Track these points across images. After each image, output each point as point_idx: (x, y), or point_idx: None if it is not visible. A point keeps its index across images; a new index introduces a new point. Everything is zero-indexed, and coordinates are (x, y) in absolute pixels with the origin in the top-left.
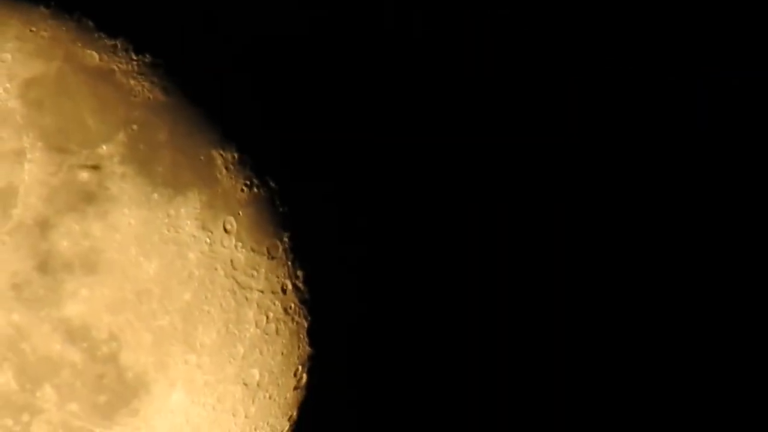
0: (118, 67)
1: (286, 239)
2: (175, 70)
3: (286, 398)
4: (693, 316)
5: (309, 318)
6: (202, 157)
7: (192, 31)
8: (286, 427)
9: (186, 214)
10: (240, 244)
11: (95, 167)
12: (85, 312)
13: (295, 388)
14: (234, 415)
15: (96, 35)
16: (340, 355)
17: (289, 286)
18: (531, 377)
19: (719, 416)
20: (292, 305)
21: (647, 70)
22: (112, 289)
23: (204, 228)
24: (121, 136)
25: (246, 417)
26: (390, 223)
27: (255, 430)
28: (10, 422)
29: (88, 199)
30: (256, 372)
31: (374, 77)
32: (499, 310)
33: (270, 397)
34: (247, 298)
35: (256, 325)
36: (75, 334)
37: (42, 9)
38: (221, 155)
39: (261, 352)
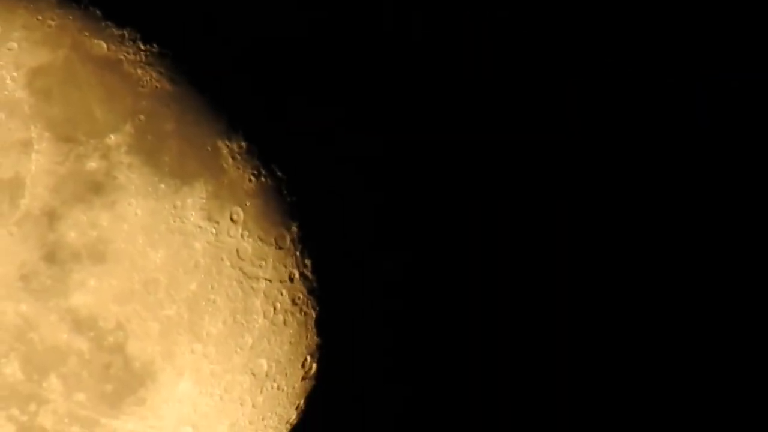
0: (126, 57)
1: (294, 229)
2: (183, 60)
3: (293, 388)
4: (694, 314)
5: (317, 308)
6: (208, 147)
7: (192, 32)
8: (294, 417)
9: (192, 204)
10: (247, 233)
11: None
12: (93, 302)
13: (303, 378)
14: (241, 405)
15: (103, 24)
16: (348, 345)
17: (297, 276)
18: (532, 369)
19: (719, 415)
20: (300, 295)
21: (647, 72)
22: (119, 279)
23: (210, 218)
24: (128, 127)
25: (253, 407)
26: (392, 221)
27: (262, 419)
28: (16, 412)
29: (95, 189)
30: (263, 362)
31: (374, 79)
32: (501, 306)
33: (278, 387)
34: (254, 288)
35: (264, 315)
36: (82, 323)
37: None
38: (228, 145)
39: (269, 342)
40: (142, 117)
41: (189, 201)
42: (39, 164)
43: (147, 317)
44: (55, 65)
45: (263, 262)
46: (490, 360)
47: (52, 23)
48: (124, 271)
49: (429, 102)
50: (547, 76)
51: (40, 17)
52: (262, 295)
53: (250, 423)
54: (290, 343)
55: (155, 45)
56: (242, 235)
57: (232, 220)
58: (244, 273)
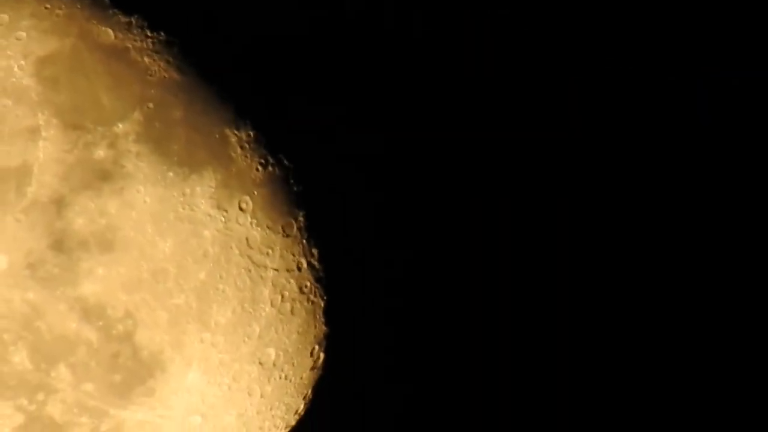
0: (133, 45)
1: (301, 218)
2: (190, 48)
3: (301, 378)
4: (695, 312)
5: (324, 297)
6: (216, 136)
7: (194, 28)
8: (302, 406)
9: (201, 193)
10: (255, 222)
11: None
12: (101, 290)
13: (312, 368)
14: (249, 395)
15: (111, 12)
16: (356, 335)
17: (305, 265)
18: (533, 367)
19: (719, 415)
20: (308, 284)
21: (648, 70)
22: (127, 267)
23: (219, 207)
24: (136, 115)
25: (261, 396)
26: (393, 219)
27: (270, 409)
28: (24, 402)
29: (103, 176)
30: (271, 351)
31: (375, 77)
32: (501, 303)
33: (285, 377)
34: (262, 277)
35: (272, 304)
36: (90, 312)
37: None
38: (236, 134)
39: (276, 331)
40: (150, 105)
41: (198, 189)
42: (47, 152)
43: (156, 306)
44: (63, 53)
45: (270, 251)
46: (490, 357)
47: (60, 12)
48: (132, 260)
49: (430, 100)
50: (549, 74)
51: (48, 6)
52: (270, 284)
53: (258, 413)
54: (298, 332)
55: (162, 33)
56: (251, 224)
57: (240, 208)
58: (252, 262)
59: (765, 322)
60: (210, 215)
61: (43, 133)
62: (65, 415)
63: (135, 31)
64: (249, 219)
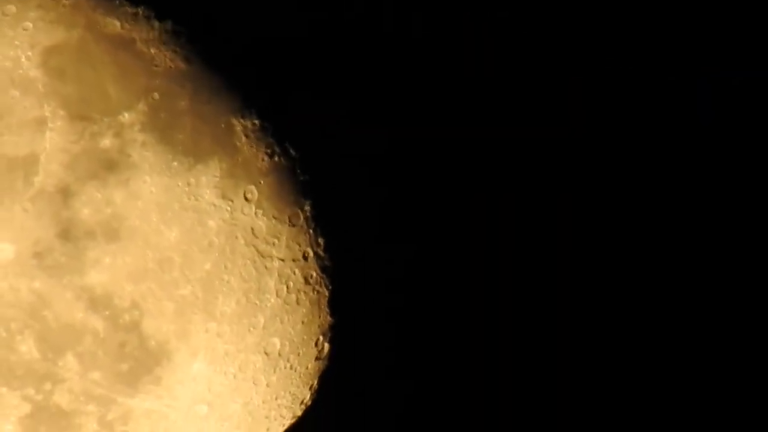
0: (139, 36)
1: (307, 207)
2: (197, 37)
3: (307, 368)
4: (696, 312)
5: (330, 287)
6: (222, 125)
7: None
8: (308, 396)
9: (206, 182)
10: (261, 212)
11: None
12: (108, 280)
13: (317, 359)
14: (255, 384)
15: (117, 3)
16: (361, 326)
17: (311, 254)
18: (534, 365)
19: (719, 414)
20: (313, 274)
21: (649, 69)
22: (134, 257)
23: (224, 196)
24: (141, 105)
25: (267, 386)
26: (395, 216)
27: (276, 399)
28: (32, 391)
29: (109, 166)
30: (277, 341)
31: (374, 79)
32: (503, 300)
33: (291, 367)
34: (267, 267)
35: (277, 294)
36: (97, 301)
37: None
38: (241, 123)
39: (282, 321)
40: (155, 95)
41: (203, 179)
42: (53, 142)
43: (162, 296)
44: (69, 44)
45: (276, 240)
46: (492, 355)
47: (67, 3)
48: (138, 249)
49: (433, 97)
50: (551, 73)
51: None
52: (276, 273)
53: (264, 402)
54: (303, 322)
55: (169, 23)
56: (256, 213)
57: (246, 198)
58: (258, 252)
59: (765, 322)
60: (215, 205)
61: (50, 124)
62: (72, 403)
63: (141, 22)
64: (254, 209)
